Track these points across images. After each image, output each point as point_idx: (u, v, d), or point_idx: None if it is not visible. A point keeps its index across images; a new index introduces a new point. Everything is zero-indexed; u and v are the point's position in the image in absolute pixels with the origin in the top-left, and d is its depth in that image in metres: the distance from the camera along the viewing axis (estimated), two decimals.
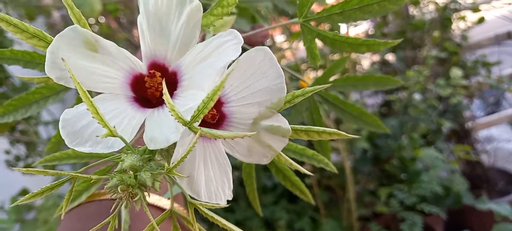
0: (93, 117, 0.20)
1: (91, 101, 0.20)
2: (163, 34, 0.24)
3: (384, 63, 2.09)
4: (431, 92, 1.84)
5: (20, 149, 1.52)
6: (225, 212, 1.62)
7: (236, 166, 1.85)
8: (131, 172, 0.20)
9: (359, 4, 0.33)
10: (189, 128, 0.20)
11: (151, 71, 0.24)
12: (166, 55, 0.25)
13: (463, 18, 2.00)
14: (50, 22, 1.67)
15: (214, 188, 0.25)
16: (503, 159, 2.13)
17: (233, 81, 0.24)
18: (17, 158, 1.53)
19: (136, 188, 0.20)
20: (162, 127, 0.21)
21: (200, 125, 0.22)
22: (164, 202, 0.36)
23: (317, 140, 0.39)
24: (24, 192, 1.53)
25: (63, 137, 0.22)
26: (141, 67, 0.25)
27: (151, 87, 0.24)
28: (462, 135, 2.03)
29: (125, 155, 0.21)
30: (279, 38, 2.17)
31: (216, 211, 0.94)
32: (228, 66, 0.23)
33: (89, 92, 0.21)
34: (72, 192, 0.23)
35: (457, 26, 2.05)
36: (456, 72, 1.67)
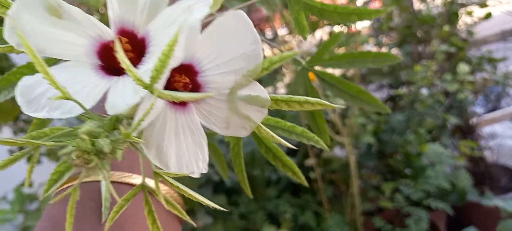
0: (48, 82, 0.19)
1: (41, 63, 0.18)
2: None
3: None
4: (437, 87, 1.82)
5: None
6: (229, 205, 1.61)
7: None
8: (87, 137, 0.18)
9: None
10: (148, 90, 0.19)
11: (117, 37, 0.23)
12: (135, 21, 0.24)
13: (470, 13, 1.97)
14: None
15: (186, 160, 0.24)
16: (506, 156, 2.11)
17: (206, 48, 0.23)
18: (21, 148, 1.52)
19: (93, 155, 0.18)
20: (125, 92, 0.20)
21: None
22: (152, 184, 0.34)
23: (313, 122, 0.38)
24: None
25: (20, 104, 0.22)
26: (109, 34, 0.24)
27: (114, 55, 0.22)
28: (466, 131, 2.01)
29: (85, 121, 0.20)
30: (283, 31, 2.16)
31: (220, 205, 0.92)
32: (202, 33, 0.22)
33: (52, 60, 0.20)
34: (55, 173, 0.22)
35: (463, 21, 2.03)
36: (463, 67, 1.65)
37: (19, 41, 0.21)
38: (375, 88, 2.16)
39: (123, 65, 0.19)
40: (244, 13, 0.22)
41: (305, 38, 0.33)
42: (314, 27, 2.05)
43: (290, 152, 1.89)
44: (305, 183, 0.34)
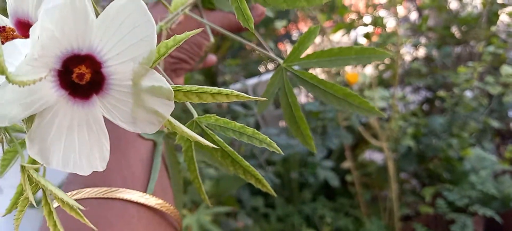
0: None
1: None
2: None
3: (428, 59, 2.01)
4: (478, 90, 1.76)
5: None
6: (266, 207, 1.59)
7: (273, 162, 1.84)
8: None
9: None
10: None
11: (1, 26, 0.23)
12: (28, 11, 0.24)
13: (511, 14, 1.90)
14: None
15: (75, 157, 0.22)
16: None
17: (104, 36, 0.21)
18: None
19: None
20: None
21: (72, 89, 0.21)
22: (154, 201, 0.32)
23: (295, 126, 0.35)
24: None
25: None
26: (7, 24, 0.24)
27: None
28: (506, 135, 1.94)
29: None
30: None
31: (257, 207, 0.90)
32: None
33: None
34: None
35: (502, 21, 1.96)
36: (507, 69, 1.59)
37: None
38: (411, 91, 2.10)
39: None
40: None
41: (251, 30, 0.28)
42: (349, 27, 2.01)
43: (324, 155, 1.86)
44: (274, 194, 0.30)
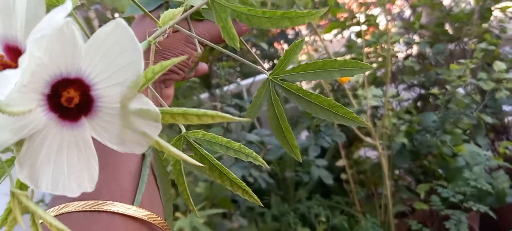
0: None
1: None
2: (10, 15, 0.24)
3: (421, 56, 2.02)
4: (472, 86, 1.77)
5: None
6: (261, 206, 1.58)
7: (268, 161, 1.84)
8: None
9: None
10: None
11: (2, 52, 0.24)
12: (17, 37, 0.24)
13: (504, 9, 1.91)
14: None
15: (64, 179, 0.23)
16: None
17: (92, 60, 0.22)
18: None
19: None
20: None
21: (62, 112, 0.22)
22: (142, 213, 0.32)
23: (281, 136, 0.36)
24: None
25: None
26: None
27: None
28: (501, 130, 1.95)
29: None
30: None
31: (253, 206, 0.90)
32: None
33: None
34: None
35: (495, 17, 1.96)
36: (500, 65, 1.59)
37: None
38: (405, 88, 2.11)
39: None
40: (125, 22, 0.21)
41: (237, 48, 0.30)
42: (342, 26, 2.01)
43: (319, 154, 1.87)
44: (260, 203, 0.31)
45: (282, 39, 2.27)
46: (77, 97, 0.22)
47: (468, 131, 1.73)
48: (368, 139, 1.55)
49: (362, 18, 1.89)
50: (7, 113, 0.18)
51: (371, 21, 1.93)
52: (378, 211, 1.66)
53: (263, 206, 0.34)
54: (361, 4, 1.87)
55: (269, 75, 0.34)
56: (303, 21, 0.31)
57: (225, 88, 1.81)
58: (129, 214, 0.31)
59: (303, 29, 2.32)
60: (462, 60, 1.62)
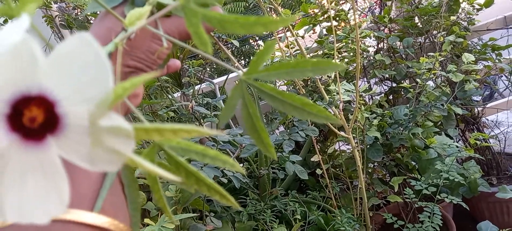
0: None
1: None
2: None
3: (391, 50, 2.02)
4: (441, 78, 1.78)
5: None
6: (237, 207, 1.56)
7: (244, 160, 1.82)
8: None
9: None
10: None
11: None
12: None
13: (472, 1, 1.93)
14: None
15: (32, 206, 0.21)
16: None
17: (55, 76, 0.20)
18: None
19: None
20: None
21: (24, 132, 0.20)
22: (102, 220, 0.30)
23: (256, 135, 0.36)
24: None
25: None
26: None
27: None
28: (471, 121, 1.97)
29: None
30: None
31: (228, 207, 0.89)
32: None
33: None
34: None
35: (464, 9, 1.98)
36: (468, 56, 1.60)
37: None
38: (376, 82, 2.11)
39: None
40: (90, 36, 0.20)
41: (210, 53, 0.29)
42: (313, 23, 2.00)
43: (293, 149, 1.85)
44: (238, 206, 0.31)
45: (257, 35, 2.25)
46: (41, 116, 0.21)
47: (439, 123, 1.74)
48: (342, 133, 1.54)
49: (332, 13, 1.88)
50: None
51: (341, 16, 1.92)
52: (354, 204, 1.65)
53: (240, 207, 0.34)
54: (331, 1, 1.86)
55: (243, 76, 0.34)
56: (277, 27, 0.31)
57: (197, 87, 1.78)
58: (86, 222, 0.29)
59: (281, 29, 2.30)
60: (431, 53, 1.62)
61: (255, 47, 4.48)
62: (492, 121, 2.06)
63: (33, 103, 0.21)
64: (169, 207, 0.35)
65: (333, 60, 1.48)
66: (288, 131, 1.50)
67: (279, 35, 1.86)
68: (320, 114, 0.34)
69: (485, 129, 1.98)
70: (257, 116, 0.36)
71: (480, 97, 2.09)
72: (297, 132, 1.47)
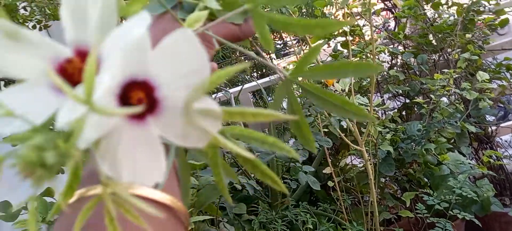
0: None
1: None
2: (82, 21, 0.26)
3: (405, 66, 2.03)
4: (455, 96, 1.78)
5: None
6: (249, 214, 1.57)
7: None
8: (31, 150, 0.20)
9: None
10: (85, 105, 0.21)
11: (70, 58, 0.26)
12: (88, 42, 0.26)
13: (486, 21, 1.93)
14: None
15: (140, 172, 0.25)
16: None
17: (159, 65, 0.24)
18: None
19: (38, 166, 0.20)
20: (70, 108, 0.22)
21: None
22: (165, 197, 0.34)
23: (298, 130, 0.39)
24: (48, 191, 1.49)
25: None
26: (67, 54, 0.26)
27: (73, 73, 0.26)
28: (484, 140, 1.97)
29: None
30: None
31: (240, 213, 0.91)
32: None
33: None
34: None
35: (478, 29, 1.99)
36: (483, 75, 1.61)
37: None
38: (390, 97, 2.12)
39: (56, 83, 0.20)
40: (192, 31, 0.23)
41: (273, 51, 0.33)
42: (328, 37, 2.02)
43: (305, 160, 1.86)
44: (286, 191, 0.33)
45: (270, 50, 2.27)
46: (144, 99, 0.25)
47: (452, 140, 1.73)
48: (354, 146, 1.54)
49: (347, 28, 1.89)
50: (100, 114, 0.21)
51: (356, 31, 1.93)
52: (365, 219, 1.65)
53: (287, 193, 0.36)
54: (347, 15, 1.87)
55: (289, 76, 0.37)
56: (334, 29, 0.34)
57: (214, 95, 1.80)
58: (153, 197, 0.33)
59: (291, 40, 2.32)
60: (446, 70, 1.63)
61: (268, 60, 4.51)
62: (506, 141, 2.05)
63: (137, 88, 0.24)
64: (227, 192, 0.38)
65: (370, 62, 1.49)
66: None
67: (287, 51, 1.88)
68: (358, 113, 0.36)
69: (498, 148, 1.97)
70: (301, 112, 0.39)
71: (494, 117, 2.09)
72: None
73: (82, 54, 0.26)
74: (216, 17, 0.42)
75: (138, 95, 0.24)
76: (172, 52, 0.24)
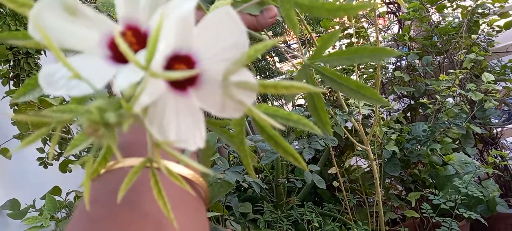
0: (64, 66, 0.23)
1: (57, 50, 0.23)
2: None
3: (410, 67, 2.03)
4: (460, 97, 1.78)
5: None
6: (255, 213, 1.58)
7: (261, 168, 1.83)
8: (96, 111, 0.22)
9: None
10: (144, 70, 0.22)
11: (123, 31, 0.27)
12: (138, 18, 0.28)
13: (491, 23, 1.94)
14: None
15: (185, 136, 0.27)
16: None
17: (201, 40, 0.26)
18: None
19: (101, 125, 0.22)
20: (128, 74, 0.24)
21: (173, 84, 0.26)
22: (187, 172, 0.36)
23: (315, 113, 0.40)
24: (56, 189, 1.50)
25: (42, 87, 0.26)
26: (119, 29, 0.28)
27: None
28: (489, 141, 1.97)
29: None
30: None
31: (246, 212, 0.92)
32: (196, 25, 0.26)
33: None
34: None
35: (483, 30, 2.00)
36: (488, 76, 1.61)
37: (41, 36, 0.25)
38: (395, 98, 2.12)
39: (122, 50, 0.22)
40: (232, 9, 0.25)
41: (296, 33, 0.35)
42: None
43: (310, 161, 1.86)
44: (307, 168, 0.34)
45: (273, 52, 2.28)
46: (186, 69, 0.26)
47: (457, 141, 1.74)
48: (359, 146, 1.55)
49: (352, 31, 1.91)
50: (158, 77, 0.23)
51: (361, 33, 1.94)
52: (370, 219, 1.66)
53: (306, 168, 0.38)
54: (352, 17, 1.89)
55: (307, 60, 0.38)
56: (356, 12, 0.36)
57: None
58: (176, 171, 0.33)
59: (295, 42, 2.32)
60: (451, 71, 1.63)
61: (271, 64, 4.54)
62: (511, 143, 2.05)
63: (180, 61, 0.26)
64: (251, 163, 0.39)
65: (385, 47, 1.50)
66: (309, 139, 1.52)
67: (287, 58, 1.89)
68: (373, 97, 0.38)
69: (503, 150, 1.97)
70: (319, 95, 0.40)
71: (499, 119, 2.09)
72: (317, 141, 1.49)
73: (132, 30, 0.28)
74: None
75: (181, 68, 0.26)
76: (214, 28, 0.26)
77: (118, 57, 0.27)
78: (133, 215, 0.30)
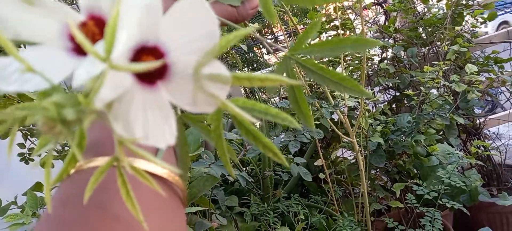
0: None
1: (7, 43, 0.21)
2: None
3: (395, 59, 2.05)
4: (445, 88, 1.81)
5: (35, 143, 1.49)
6: (241, 206, 1.59)
7: (247, 161, 1.84)
8: (52, 107, 0.21)
9: None
10: (104, 62, 0.21)
11: (84, 21, 0.26)
12: (101, 7, 0.26)
13: (475, 15, 1.96)
14: None
15: (153, 133, 0.26)
16: None
17: (169, 31, 0.25)
18: (31, 152, 1.49)
19: (58, 122, 0.21)
20: (87, 67, 0.23)
21: (141, 78, 0.24)
22: (162, 170, 0.34)
23: (296, 105, 0.39)
24: (38, 185, 1.49)
25: None
26: (80, 19, 0.27)
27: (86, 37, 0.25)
28: (472, 132, 2.00)
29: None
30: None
31: (232, 205, 0.93)
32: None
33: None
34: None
35: (467, 22, 2.02)
36: (471, 67, 1.63)
37: None
38: (380, 90, 2.14)
39: (79, 41, 0.20)
40: None
41: (274, 24, 0.34)
42: (319, 31, 2.03)
43: (297, 153, 1.87)
44: (287, 165, 0.34)
45: (261, 43, 2.28)
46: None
47: (441, 132, 1.76)
48: (345, 137, 1.56)
49: (338, 22, 1.91)
50: (118, 70, 0.21)
51: (347, 25, 1.95)
52: (355, 210, 1.67)
53: (287, 165, 0.36)
54: (338, 9, 1.89)
55: (288, 53, 0.37)
56: (340, 0, 0.34)
57: None
58: (149, 170, 0.33)
59: (281, 34, 2.33)
60: (435, 62, 1.65)
61: (259, 55, 4.52)
62: (493, 133, 2.08)
63: (147, 53, 0.25)
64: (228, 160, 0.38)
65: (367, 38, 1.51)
66: (294, 131, 1.53)
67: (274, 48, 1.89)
68: (355, 89, 0.37)
69: (486, 140, 2.00)
70: (299, 88, 0.40)
71: (482, 109, 2.12)
72: (303, 133, 1.50)
73: (95, 19, 0.27)
74: None
75: (148, 59, 0.25)
76: (182, 18, 0.24)
77: (80, 50, 0.26)
78: (105, 217, 0.29)
